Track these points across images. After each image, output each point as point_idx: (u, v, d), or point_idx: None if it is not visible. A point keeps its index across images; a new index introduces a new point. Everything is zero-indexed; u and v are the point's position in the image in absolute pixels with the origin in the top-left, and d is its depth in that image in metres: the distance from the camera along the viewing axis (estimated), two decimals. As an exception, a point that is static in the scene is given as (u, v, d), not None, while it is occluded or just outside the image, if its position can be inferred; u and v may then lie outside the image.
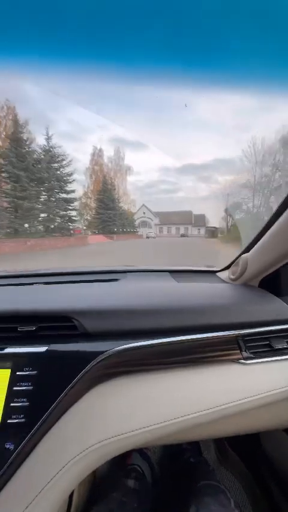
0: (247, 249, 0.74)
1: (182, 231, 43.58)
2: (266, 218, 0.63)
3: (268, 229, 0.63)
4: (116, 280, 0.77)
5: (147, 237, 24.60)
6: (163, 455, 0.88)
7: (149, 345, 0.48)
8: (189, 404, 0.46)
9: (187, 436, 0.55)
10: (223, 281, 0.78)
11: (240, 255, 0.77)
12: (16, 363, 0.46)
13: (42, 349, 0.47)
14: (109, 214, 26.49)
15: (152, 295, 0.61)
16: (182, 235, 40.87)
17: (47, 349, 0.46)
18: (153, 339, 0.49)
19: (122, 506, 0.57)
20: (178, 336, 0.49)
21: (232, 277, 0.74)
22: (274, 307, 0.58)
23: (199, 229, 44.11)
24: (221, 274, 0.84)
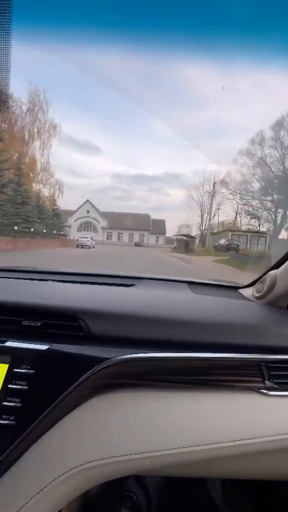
0: (276, 265, 0.71)
1: (136, 238, 34.35)
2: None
3: None
4: (131, 285, 0.74)
5: (79, 246, 16.43)
6: (163, 485, 0.78)
7: (157, 357, 0.44)
8: (199, 433, 0.42)
9: (195, 472, 0.50)
10: (246, 298, 0.73)
11: (267, 271, 0.73)
12: (15, 358, 0.43)
13: (43, 347, 0.44)
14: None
15: (166, 304, 0.59)
16: (137, 245, 31.03)
17: (48, 348, 0.44)
18: (161, 352, 0.45)
19: None
20: (191, 352, 0.44)
21: (257, 295, 0.70)
22: None
23: (157, 237, 35.42)
24: (244, 291, 0.79)
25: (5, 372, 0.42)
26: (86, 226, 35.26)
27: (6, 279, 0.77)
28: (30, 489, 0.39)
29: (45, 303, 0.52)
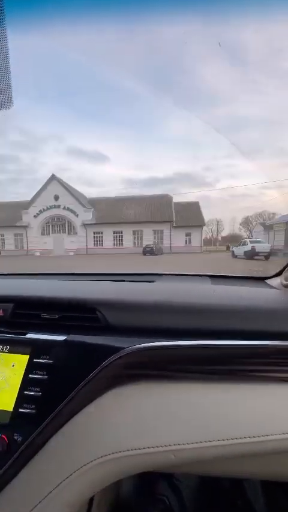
0: None
1: (148, 237, 18.39)
2: None
3: None
4: (151, 281, 0.72)
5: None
6: (198, 489, 0.76)
7: (179, 345, 0.43)
8: (228, 427, 0.40)
9: (226, 469, 0.48)
10: (274, 288, 0.70)
11: None
12: (35, 349, 0.46)
13: (61, 338, 0.46)
14: None
15: (187, 294, 0.58)
16: (148, 251, 13.92)
17: (65, 339, 0.46)
18: (182, 341, 0.44)
19: None
20: (215, 340, 0.43)
21: (286, 282, 0.66)
22: None
23: (189, 234, 18.96)
24: (271, 281, 0.76)
25: (26, 362, 0.44)
26: (56, 224, 19.88)
27: (26, 280, 0.82)
28: (55, 478, 0.40)
29: (63, 296, 0.53)
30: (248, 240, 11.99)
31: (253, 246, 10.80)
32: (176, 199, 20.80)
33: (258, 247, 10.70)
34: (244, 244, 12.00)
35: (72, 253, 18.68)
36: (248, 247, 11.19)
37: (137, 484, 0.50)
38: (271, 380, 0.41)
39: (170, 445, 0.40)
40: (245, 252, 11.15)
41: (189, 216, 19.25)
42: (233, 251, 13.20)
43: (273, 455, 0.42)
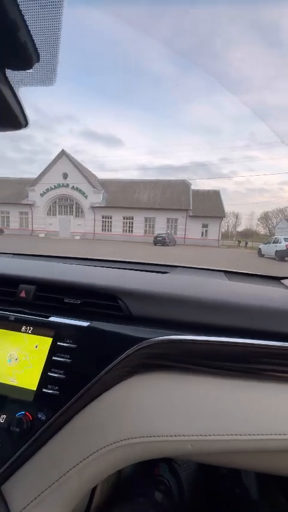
0: None
1: (161, 225, 16.81)
2: None
3: None
4: (166, 272, 0.74)
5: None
6: (196, 474, 0.79)
7: (201, 341, 0.44)
8: (247, 422, 0.42)
9: (240, 462, 0.50)
10: None
11: None
12: (58, 333, 0.47)
13: (84, 323, 0.47)
14: None
15: (205, 289, 0.59)
16: (160, 241, 12.47)
17: (89, 325, 0.47)
18: (204, 335, 0.45)
19: None
20: (234, 337, 0.44)
21: None
22: None
23: (206, 225, 17.20)
24: (287, 282, 0.76)
25: (49, 344, 0.46)
26: (63, 205, 18.51)
27: (45, 262, 0.83)
28: (75, 457, 0.42)
29: (86, 282, 0.54)
30: (282, 237, 10.04)
31: (288, 244, 8.99)
32: (192, 187, 18.96)
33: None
34: (276, 242, 10.13)
35: (78, 237, 17.44)
36: (281, 246, 9.35)
37: (137, 464, 0.47)
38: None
39: (188, 435, 0.42)
40: (277, 252, 9.40)
41: (208, 206, 17.44)
42: (259, 249, 11.52)
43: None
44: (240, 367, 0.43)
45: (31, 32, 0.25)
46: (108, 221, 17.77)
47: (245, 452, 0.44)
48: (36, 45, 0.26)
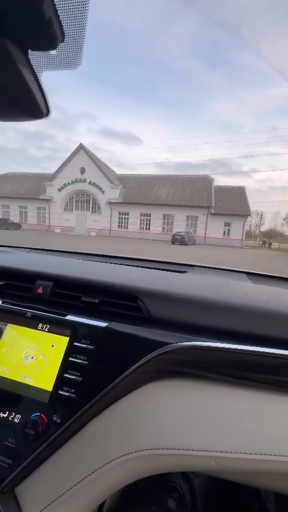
0: None
1: (180, 224, 15.89)
2: None
3: None
4: (184, 272, 0.73)
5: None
6: (209, 482, 0.75)
7: (231, 349, 0.40)
8: (274, 441, 0.39)
9: (263, 482, 0.46)
10: None
11: None
12: (75, 332, 0.45)
13: (102, 324, 0.45)
14: None
15: (229, 291, 0.55)
16: (179, 239, 11.56)
17: (107, 326, 0.45)
18: (227, 342, 0.41)
19: None
20: (262, 347, 0.41)
21: None
22: None
23: (228, 224, 16.03)
24: None
25: (66, 344, 0.44)
26: (80, 200, 18.14)
27: (63, 258, 0.80)
28: (89, 465, 0.40)
29: (103, 280, 0.52)
30: None
31: None
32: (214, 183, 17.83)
33: None
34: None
35: (93, 234, 17.03)
36: None
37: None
38: None
39: (214, 451, 0.39)
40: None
41: (231, 203, 16.29)
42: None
43: None
44: (274, 380, 0.39)
45: (56, 6, 0.22)
46: (125, 217, 17.19)
47: (276, 474, 0.39)
48: (62, 21, 0.23)
